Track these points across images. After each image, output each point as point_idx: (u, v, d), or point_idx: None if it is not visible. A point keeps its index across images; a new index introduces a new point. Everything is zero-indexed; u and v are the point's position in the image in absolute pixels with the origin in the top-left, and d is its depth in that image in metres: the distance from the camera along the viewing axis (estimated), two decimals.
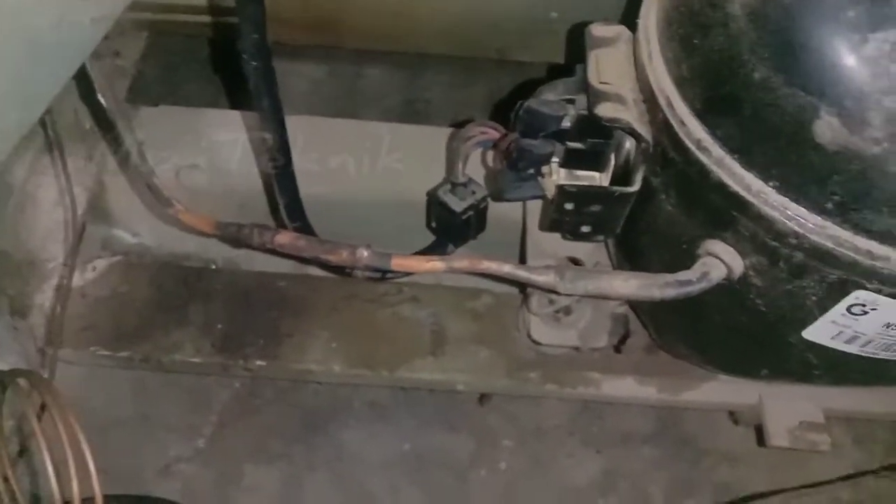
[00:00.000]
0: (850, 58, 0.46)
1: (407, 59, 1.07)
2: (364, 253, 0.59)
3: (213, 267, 0.90)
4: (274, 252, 0.62)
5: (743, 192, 0.54)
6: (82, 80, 0.62)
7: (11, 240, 0.79)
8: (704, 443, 0.90)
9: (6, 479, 0.52)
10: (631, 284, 0.59)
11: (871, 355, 0.62)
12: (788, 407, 0.77)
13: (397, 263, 0.59)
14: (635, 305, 0.78)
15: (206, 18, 0.91)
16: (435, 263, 0.59)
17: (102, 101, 0.63)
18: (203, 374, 0.86)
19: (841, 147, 0.47)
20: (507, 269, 0.59)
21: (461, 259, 0.59)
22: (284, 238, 0.61)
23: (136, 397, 0.87)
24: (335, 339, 0.79)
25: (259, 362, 0.78)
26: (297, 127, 0.91)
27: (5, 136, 0.51)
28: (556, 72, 1.01)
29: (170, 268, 0.85)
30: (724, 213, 0.56)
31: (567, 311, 0.76)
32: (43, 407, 0.49)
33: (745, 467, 0.88)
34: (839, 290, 0.55)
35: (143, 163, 0.68)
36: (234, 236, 0.64)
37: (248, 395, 0.89)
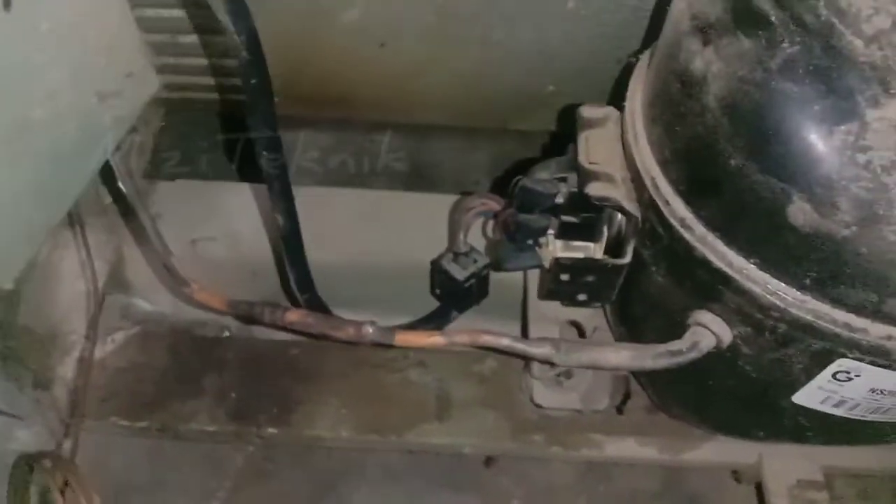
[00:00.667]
0: (817, 148, 0.49)
1: (413, 129, 1.11)
2: (369, 330, 0.62)
3: (227, 334, 0.93)
4: (285, 329, 0.66)
5: (726, 268, 0.57)
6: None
7: (35, 314, 0.83)
8: (709, 501, 0.91)
9: None
10: (623, 356, 0.62)
11: (860, 418, 0.64)
12: (787, 466, 0.79)
13: (401, 339, 0.62)
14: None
15: (222, 96, 0.96)
16: (436, 339, 0.62)
17: (123, 188, 0.68)
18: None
19: (813, 230, 0.50)
20: (505, 342, 0.62)
21: (461, 334, 0.62)
22: (294, 316, 0.64)
23: (152, 463, 0.89)
24: (345, 406, 0.82)
25: (271, 430, 0.81)
26: (308, 198, 0.96)
27: (33, 235, 0.55)
28: (555, 140, 1.06)
29: (185, 338, 0.88)
30: (710, 287, 0.59)
31: (568, 374, 0.79)
32: (66, 483, 0.52)
33: None
34: (823, 359, 0.58)
35: (160, 243, 0.72)
36: (246, 314, 0.68)
37: (261, 460, 0.91)
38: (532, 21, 0.85)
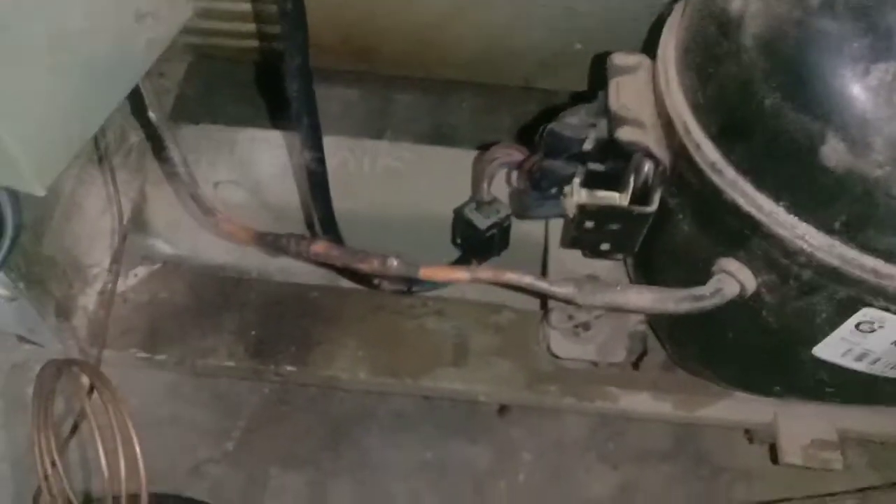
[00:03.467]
0: (853, 87, 0.49)
1: (436, 86, 1.11)
2: (394, 262, 0.63)
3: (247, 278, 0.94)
4: (309, 260, 0.66)
5: (755, 212, 0.57)
6: (131, 96, 0.67)
7: (58, 246, 0.84)
8: (721, 460, 0.92)
9: (53, 464, 0.56)
10: (646, 297, 0.62)
11: (881, 374, 0.64)
12: (802, 425, 0.79)
13: (425, 272, 0.62)
14: (653, 323, 0.80)
15: (250, 43, 0.96)
16: (460, 273, 0.62)
17: (152, 116, 0.68)
18: (235, 379, 0.90)
19: (846, 170, 0.50)
20: (528, 279, 0.62)
21: (485, 270, 0.63)
22: (320, 247, 0.64)
23: (169, 399, 0.91)
24: (362, 348, 0.83)
25: (289, 368, 0.82)
26: (333, 146, 0.97)
27: (65, 149, 0.55)
28: (579, 99, 1.05)
29: (207, 276, 0.89)
30: (737, 233, 0.59)
31: (586, 326, 0.79)
32: (92, 389, 0.53)
33: (760, 485, 0.90)
34: (847, 308, 0.58)
35: (187, 174, 0.73)
36: (272, 245, 0.68)
37: (276, 402, 0.93)
38: None
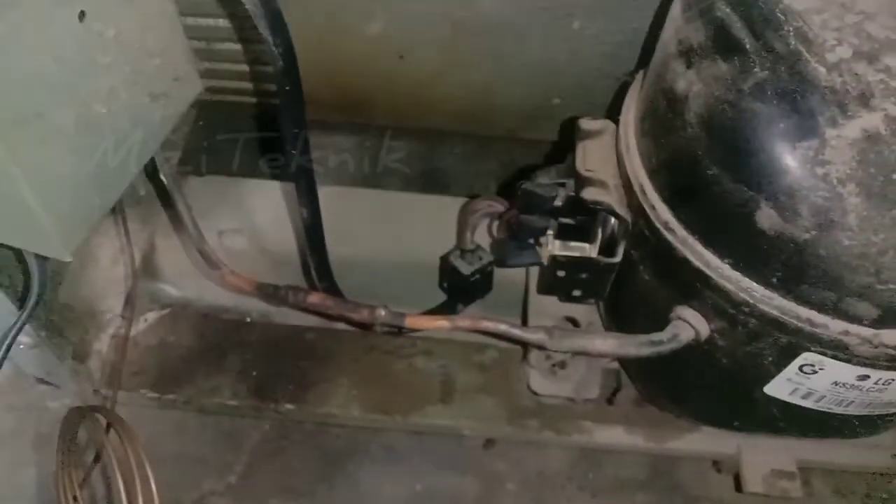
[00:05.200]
0: (782, 161, 0.55)
1: (427, 135, 1.18)
2: (382, 312, 0.69)
3: (248, 320, 1.00)
4: (305, 310, 0.73)
5: (703, 268, 0.63)
6: None
7: (74, 294, 0.90)
8: (693, 489, 0.97)
9: (76, 499, 0.62)
10: (610, 343, 0.68)
11: (827, 409, 0.70)
12: (763, 456, 0.84)
13: (410, 322, 0.69)
14: (622, 362, 0.87)
15: (250, 100, 1.03)
16: (441, 322, 0.69)
17: (164, 180, 0.75)
18: (238, 417, 0.96)
19: (778, 233, 0.57)
20: (503, 327, 0.69)
21: (464, 319, 0.69)
22: (315, 298, 0.71)
23: (177, 437, 0.97)
24: (355, 387, 0.89)
25: (288, 406, 0.88)
26: (327, 197, 1.03)
27: (88, 218, 0.62)
28: (559, 146, 1.12)
29: (211, 320, 0.95)
30: (690, 284, 0.66)
31: (563, 365, 0.85)
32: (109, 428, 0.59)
33: None
34: (790, 353, 0.64)
35: (194, 230, 0.79)
36: (272, 296, 0.75)
37: (276, 438, 0.98)
38: (540, 39, 0.91)
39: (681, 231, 0.64)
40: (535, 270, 0.92)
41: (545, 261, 0.78)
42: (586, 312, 0.88)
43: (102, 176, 0.60)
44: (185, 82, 0.65)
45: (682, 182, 0.64)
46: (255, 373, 0.90)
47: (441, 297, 0.96)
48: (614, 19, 0.87)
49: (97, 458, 0.77)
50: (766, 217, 0.57)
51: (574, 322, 0.89)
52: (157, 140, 0.65)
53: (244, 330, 0.94)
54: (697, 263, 0.64)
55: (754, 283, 0.61)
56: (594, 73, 0.94)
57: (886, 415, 0.72)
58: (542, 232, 0.78)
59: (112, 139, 0.59)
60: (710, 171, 0.59)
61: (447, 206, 1.03)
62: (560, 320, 0.88)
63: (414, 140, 1.23)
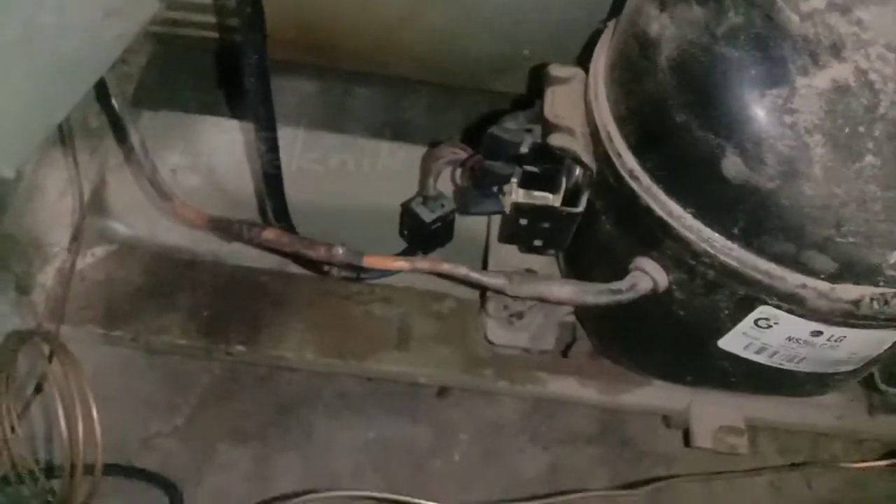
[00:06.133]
0: (750, 109, 0.55)
1: (393, 83, 1.15)
2: (339, 250, 0.67)
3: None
4: (260, 246, 0.71)
5: (666, 217, 0.63)
6: (95, 83, 0.70)
7: (18, 224, 0.87)
8: (642, 444, 0.98)
9: (13, 430, 0.60)
10: (567, 290, 0.68)
11: (779, 365, 0.71)
12: (712, 412, 0.86)
13: (368, 261, 0.67)
14: (579, 315, 0.86)
15: (211, 34, 1.00)
16: (401, 262, 0.67)
17: (115, 105, 0.72)
18: (187, 357, 0.94)
19: (742, 182, 0.56)
20: (462, 271, 0.68)
21: (423, 261, 0.68)
22: (270, 234, 0.69)
23: (123, 374, 0.94)
24: (309, 331, 0.88)
25: (239, 347, 0.86)
26: (289, 138, 1.01)
27: (29, 141, 0.59)
28: (523, 103, 1.11)
29: (162, 258, 0.92)
30: (651, 234, 0.65)
31: (520, 316, 0.85)
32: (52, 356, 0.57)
33: (678, 467, 0.96)
34: (747, 305, 0.65)
35: (146, 159, 0.76)
36: (225, 230, 0.72)
37: (226, 380, 0.97)
38: None
39: (645, 179, 0.64)
40: (496, 221, 0.91)
41: (508, 209, 0.77)
42: (546, 264, 0.88)
43: (49, 92, 0.57)
44: (141, 0, 0.62)
45: (649, 129, 0.63)
46: (205, 313, 0.88)
47: (402, 245, 0.95)
48: None
49: (38, 389, 0.75)
50: (732, 165, 0.57)
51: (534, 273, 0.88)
52: (108, 59, 0.62)
53: (196, 269, 0.91)
54: (660, 212, 0.63)
55: (715, 234, 0.61)
56: (564, 24, 0.93)
57: (835, 373, 0.73)
58: (507, 180, 0.77)
59: (60, 54, 0.55)
60: (678, 118, 0.59)
61: (410, 154, 1.01)
62: (520, 272, 0.88)
63: (379, 88, 1.21)
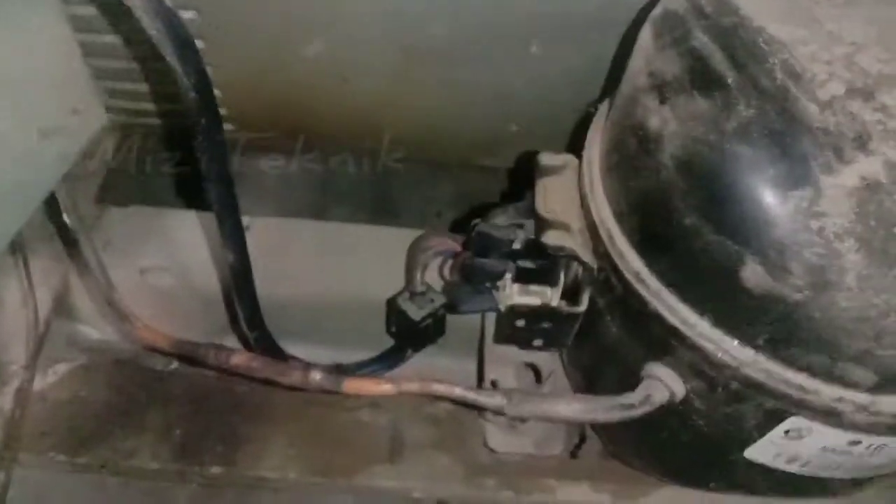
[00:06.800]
0: (771, 212, 0.48)
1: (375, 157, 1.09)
2: (316, 376, 0.61)
3: (174, 366, 0.90)
4: (229, 373, 0.64)
5: (678, 324, 0.56)
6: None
7: None
8: None
9: None
10: (574, 408, 0.61)
11: (812, 474, 0.64)
12: None
13: (349, 386, 0.60)
14: None
15: (177, 122, 0.94)
16: (386, 387, 0.60)
17: (67, 221, 0.65)
18: (161, 480, 0.86)
19: (766, 292, 0.50)
20: (457, 392, 0.61)
21: (411, 382, 0.61)
22: (239, 359, 0.62)
23: (92, 501, 0.86)
24: (292, 446, 0.80)
25: (216, 469, 0.79)
26: (263, 229, 0.94)
27: None
28: (519, 174, 1.05)
29: (130, 370, 0.85)
30: (664, 341, 0.59)
31: (522, 418, 0.78)
32: None
33: None
34: (775, 417, 0.58)
35: (103, 277, 0.70)
36: (191, 355, 0.65)
37: (205, 498, 0.88)
38: (495, 64, 0.85)
39: (653, 283, 0.57)
40: (492, 313, 0.85)
41: (503, 307, 0.70)
42: (548, 359, 0.81)
43: None
44: (86, 115, 0.56)
45: (655, 230, 0.57)
46: (178, 431, 0.80)
47: (389, 338, 0.88)
48: (575, 45, 0.81)
49: None
50: (753, 274, 0.50)
51: (535, 369, 0.81)
52: (50, 180, 0.56)
53: (167, 381, 0.84)
54: (672, 319, 0.57)
55: (737, 344, 0.54)
56: (554, 102, 0.88)
57: (874, 477, 0.66)
58: (500, 276, 0.71)
59: None
60: (687, 220, 0.52)
61: (396, 239, 0.95)
62: (520, 367, 0.81)
63: (359, 166, 1.15)
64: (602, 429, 0.78)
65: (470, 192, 1.12)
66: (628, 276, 0.59)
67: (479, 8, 0.78)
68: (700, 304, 0.55)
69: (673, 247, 0.55)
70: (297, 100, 0.92)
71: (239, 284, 0.70)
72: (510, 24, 0.80)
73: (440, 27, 0.80)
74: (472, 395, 0.61)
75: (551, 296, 0.70)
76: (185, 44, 0.47)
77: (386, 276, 0.89)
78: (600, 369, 0.70)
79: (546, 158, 0.68)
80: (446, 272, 0.81)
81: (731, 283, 0.51)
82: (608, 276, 0.62)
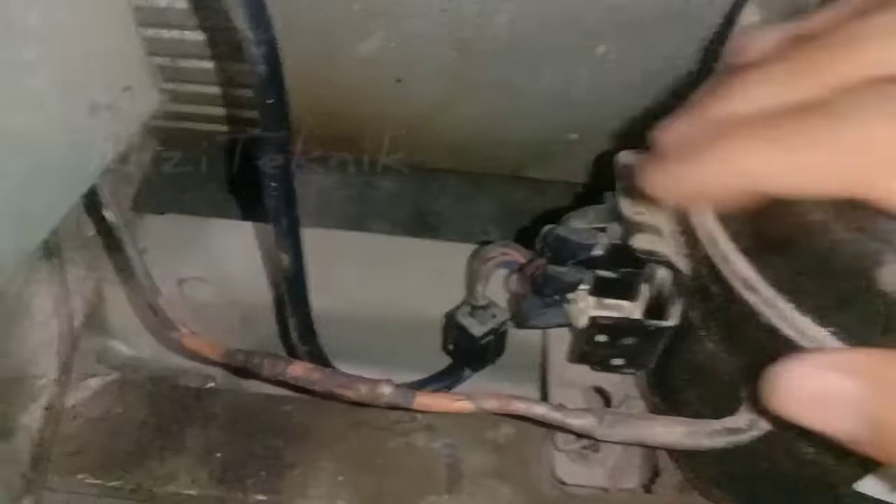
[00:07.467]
0: None
1: (417, 172, 1.05)
2: (386, 389, 0.54)
3: (212, 384, 0.85)
4: (286, 385, 0.58)
5: (796, 337, 0.50)
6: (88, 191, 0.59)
7: None
8: None
9: None
10: (676, 432, 0.54)
11: None
12: None
13: (421, 402, 0.54)
14: None
15: (220, 128, 0.89)
16: (463, 403, 0.54)
17: (108, 217, 0.60)
18: None
19: None
20: (540, 410, 0.55)
21: (489, 399, 0.55)
22: (299, 370, 0.56)
23: None
24: (342, 472, 0.73)
25: (259, 497, 0.72)
26: (311, 241, 0.89)
27: (12, 255, 0.47)
28: (570, 188, 1.00)
29: (167, 387, 0.79)
30: (773, 356, 0.52)
31: (595, 447, 0.71)
32: None
33: None
34: None
35: (147, 280, 0.65)
36: (242, 365, 0.60)
37: None
38: (558, 66, 0.79)
39: (766, 290, 0.51)
40: (554, 332, 0.79)
41: (579, 322, 0.64)
42: (617, 383, 0.75)
43: (28, 206, 0.45)
44: (139, 94, 0.51)
45: (769, 229, 0.50)
46: (219, 454, 0.74)
47: (442, 358, 0.82)
48: (645, 45, 0.76)
49: None
50: (892, 276, 0.44)
51: (603, 394, 0.75)
52: (98, 162, 0.51)
53: (207, 399, 0.78)
54: (788, 331, 0.50)
55: None
56: (618, 107, 0.83)
57: None
58: (574, 287, 0.65)
59: (36, 161, 0.44)
60: (811, 216, 0.46)
61: (446, 253, 0.90)
62: (588, 391, 0.75)
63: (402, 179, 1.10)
64: (687, 457, 0.71)
65: (515, 208, 1.07)
66: (734, 282, 0.52)
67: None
68: (823, 313, 0.49)
69: (793, 249, 0.49)
70: (347, 104, 0.88)
71: (292, 291, 0.64)
72: (578, 19, 0.75)
73: (502, 19, 0.75)
74: (557, 415, 0.55)
75: (631, 310, 0.64)
76: (259, 6, 0.42)
77: (436, 291, 0.84)
78: (689, 391, 0.64)
79: (626, 157, 0.62)
80: (512, 284, 0.75)
81: (865, 287, 0.45)
82: (706, 285, 0.56)
